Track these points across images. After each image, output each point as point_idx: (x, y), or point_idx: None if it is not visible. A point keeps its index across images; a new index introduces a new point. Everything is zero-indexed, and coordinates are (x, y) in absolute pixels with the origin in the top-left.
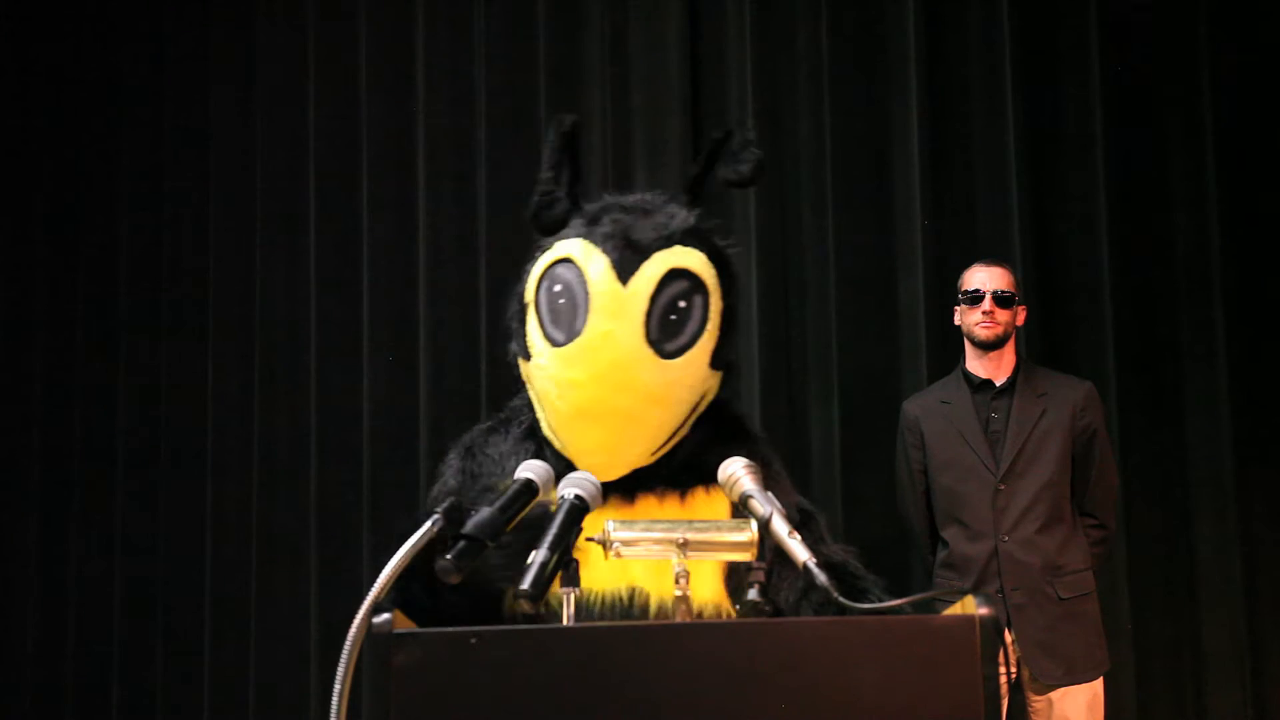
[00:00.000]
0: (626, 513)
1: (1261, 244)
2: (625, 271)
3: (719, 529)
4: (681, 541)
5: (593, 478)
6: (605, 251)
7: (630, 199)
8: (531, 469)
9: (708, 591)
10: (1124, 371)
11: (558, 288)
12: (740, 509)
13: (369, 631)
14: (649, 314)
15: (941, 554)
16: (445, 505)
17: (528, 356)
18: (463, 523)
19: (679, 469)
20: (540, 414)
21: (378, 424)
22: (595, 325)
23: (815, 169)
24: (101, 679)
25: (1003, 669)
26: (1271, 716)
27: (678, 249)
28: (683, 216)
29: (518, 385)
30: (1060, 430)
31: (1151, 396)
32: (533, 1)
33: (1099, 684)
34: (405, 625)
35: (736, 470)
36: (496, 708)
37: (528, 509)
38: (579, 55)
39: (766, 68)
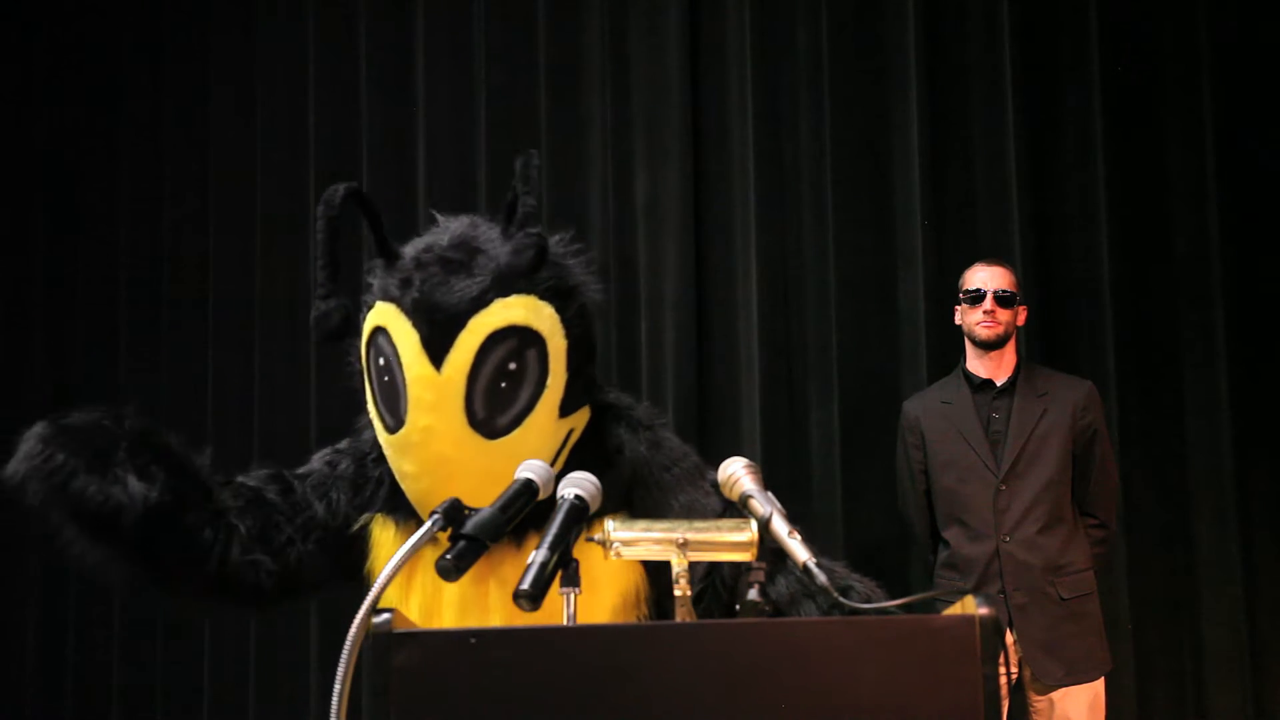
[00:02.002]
0: (517, 557)
1: (1261, 244)
2: (437, 352)
3: (719, 529)
4: (681, 541)
5: (593, 478)
6: (415, 325)
7: (447, 239)
8: (531, 469)
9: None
10: (1124, 371)
11: (381, 362)
12: (740, 509)
13: (369, 631)
14: (469, 396)
15: (943, 554)
16: (445, 505)
17: (372, 427)
18: (463, 522)
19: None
20: None
21: None
22: (414, 420)
23: (815, 169)
24: (101, 679)
25: (1003, 669)
26: (1271, 716)
27: (495, 306)
28: (500, 259)
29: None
30: (1061, 430)
31: (1151, 396)
32: (533, 1)
33: (1100, 684)
34: (405, 625)
35: (737, 470)
36: (496, 708)
37: (527, 509)
38: (579, 55)
39: (766, 68)
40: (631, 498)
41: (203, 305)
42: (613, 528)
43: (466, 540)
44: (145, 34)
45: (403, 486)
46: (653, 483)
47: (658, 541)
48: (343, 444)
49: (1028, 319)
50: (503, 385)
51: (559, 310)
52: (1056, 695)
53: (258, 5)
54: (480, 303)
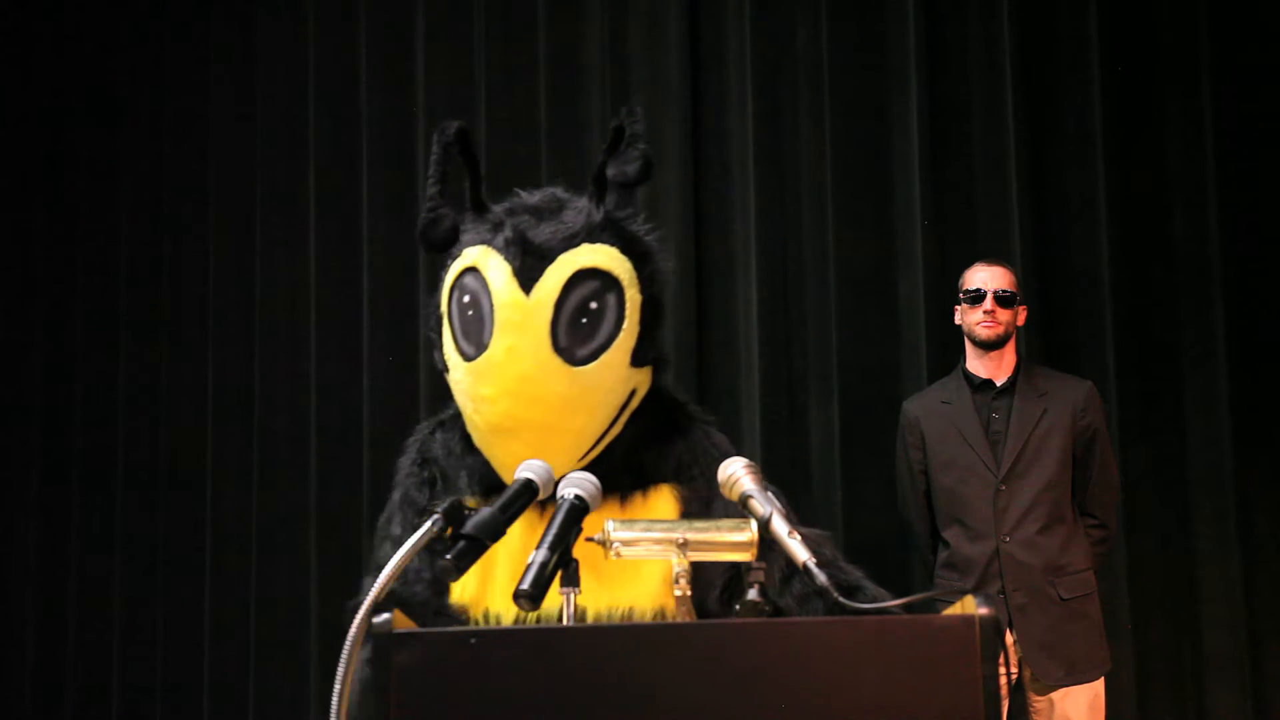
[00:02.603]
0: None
1: (1261, 244)
2: (528, 279)
3: (719, 529)
4: (681, 541)
5: (593, 478)
6: (507, 259)
7: (536, 197)
8: (531, 469)
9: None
10: (1124, 371)
11: (466, 298)
12: (740, 509)
13: (369, 631)
14: (555, 322)
15: (942, 554)
16: (445, 505)
17: (446, 369)
18: (463, 522)
19: (618, 470)
20: (467, 426)
21: (378, 424)
22: (500, 339)
23: (815, 169)
24: (101, 679)
25: (1003, 669)
26: (1271, 716)
27: (584, 248)
28: (589, 211)
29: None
30: (1061, 430)
31: (1151, 396)
32: (533, 1)
33: (1100, 684)
34: (405, 625)
35: (736, 470)
36: (496, 708)
37: (527, 509)
38: (579, 55)
39: (766, 68)
40: (681, 476)
41: (203, 305)
42: (613, 527)
43: (466, 540)
44: (145, 34)
45: (475, 417)
46: (698, 471)
47: (658, 541)
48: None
49: (1028, 319)
50: (583, 321)
51: (636, 268)
52: (1056, 695)
53: (258, 5)
54: (570, 243)
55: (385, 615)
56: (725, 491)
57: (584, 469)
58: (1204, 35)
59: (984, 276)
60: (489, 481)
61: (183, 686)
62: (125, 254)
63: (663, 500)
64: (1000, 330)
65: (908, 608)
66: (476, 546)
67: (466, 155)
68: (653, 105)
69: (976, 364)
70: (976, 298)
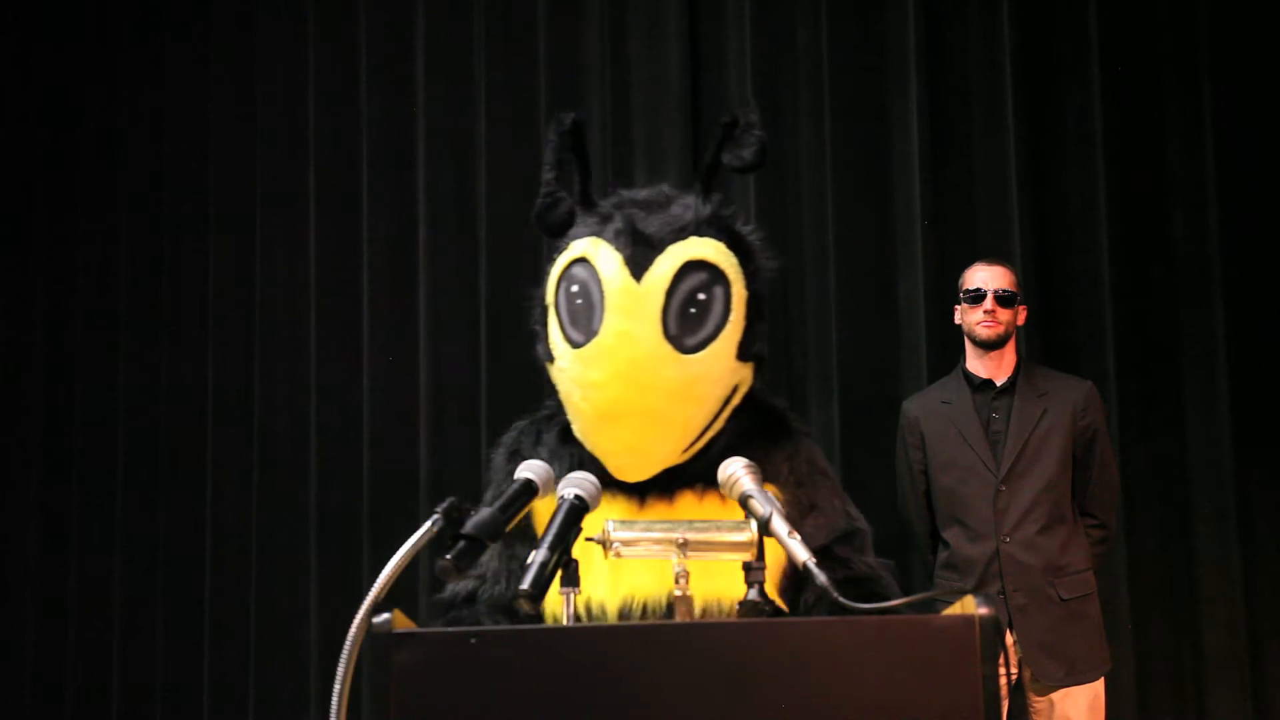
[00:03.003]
0: (666, 512)
1: (1261, 244)
2: (639, 267)
3: (719, 529)
4: (681, 541)
5: (593, 478)
6: (618, 248)
7: (643, 194)
8: (531, 469)
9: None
10: (1124, 371)
11: (574, 288)
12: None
13: (369, 631)
14: (665, 309)
15: (942, 555)
16: (445, 505)
17: (551, 359)
18: (463, 522)
19: (716, 464)
20: (569, 417)
21: (378, 424)
22: (611, 324)
23: (815, 168)
24: (102, 679)
25: (1003, 670)
26: (1271, 716)
27: (693, 240)
28: (697, 207)
29: (550, 386)
30: (1061, 430)
31: (1151, 396)
32: (533, 2)
33: (1100, 684)
34: (405, 625)
35: (736, 470)
36: (496, 708)
37: (526, 509)
38: (579, 55)
39: (766, 68)
40: (782, 481)
41: (203, 305)
42: (613, 527)
43: (466, 540)
44: (145, 34)
45: (582, 404)
46: (795, 481)
47: (658, 541)
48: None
49: (1028, 319)
50: (692, 310)
51: (741, 263)
52: (1056, 696)
53: (258, 5)
54: (679, 235)
55: (385, 615)
56: (725, 491)
57: (684, 463)
58: (1204, 35)
59: (984, 276)
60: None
61: (183, 686)
62: (125, 254)
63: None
64: (1000, 330)
65: (908, 608)
66: (476, 547)
67: (578, 149)
68: (653, 105)
69: (976, 364)
70: (977, 297)
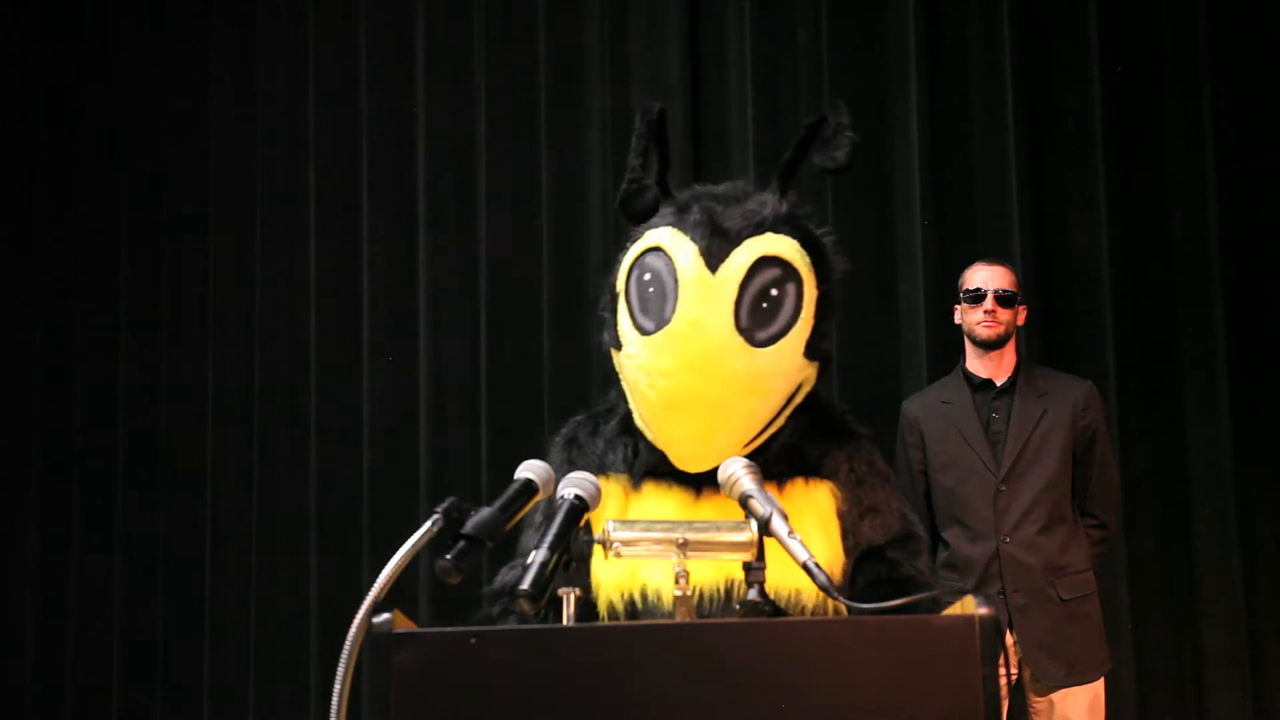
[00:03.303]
0: (721, 505)
1: (1261, 244)
2: (714, 259)
3: (719, 529)
4: (681, 541)
5: (593, 478)
6: (694, 239)
7: (720, 188)
8: (531, 469)
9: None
10: (1124, 371)
11: (647, 276)
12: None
13: (369, 631)
14: (739, 301)
15: (942, 555)
16: (445, 505)
17: (619, 346)
18: (463, 522)
19: (775, 459)
20: (632, 405)
21: (378, 424)
22: (684, 313)
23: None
24: (101, 679)
25: (1003, 670)
26: (1271, 716)
27: (768, 236)
28: (773, 203)
29: (613, 377)
30: (1061, 430)
31: (1151, 396)
32: (533, 2)
33: (1100, 684)
34: (405, 625)
35: (736, 470)
36: (496, 708)
37: (526, 508)
38: (579, 55)
39: (766, 68)
40: (842, 480)
41: (203, 305)
42: (613, 527)
43: (466, 540)
44: (145, 34)
45: (649, 391)
46: (854, 481)
47: (658, 541)
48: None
49: (1027, 319)
50: (764, 305)
51: (814, 262)
52: (1056, 696)
53: (258, 5)
54: (756, 229)
55: (385, 615)
56: (725, 491)
57: (746, 456)
58: (1204, 35)
59: (984, 276)
60: (646, 460)
61: (183, 686)
62: (125, 254)
63: (821, 494)
64: (1001, 330)
65: (908, 608)
66: (476, 546)
67: (660, 140)
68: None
69: (976, 364)
70: (977, 297)
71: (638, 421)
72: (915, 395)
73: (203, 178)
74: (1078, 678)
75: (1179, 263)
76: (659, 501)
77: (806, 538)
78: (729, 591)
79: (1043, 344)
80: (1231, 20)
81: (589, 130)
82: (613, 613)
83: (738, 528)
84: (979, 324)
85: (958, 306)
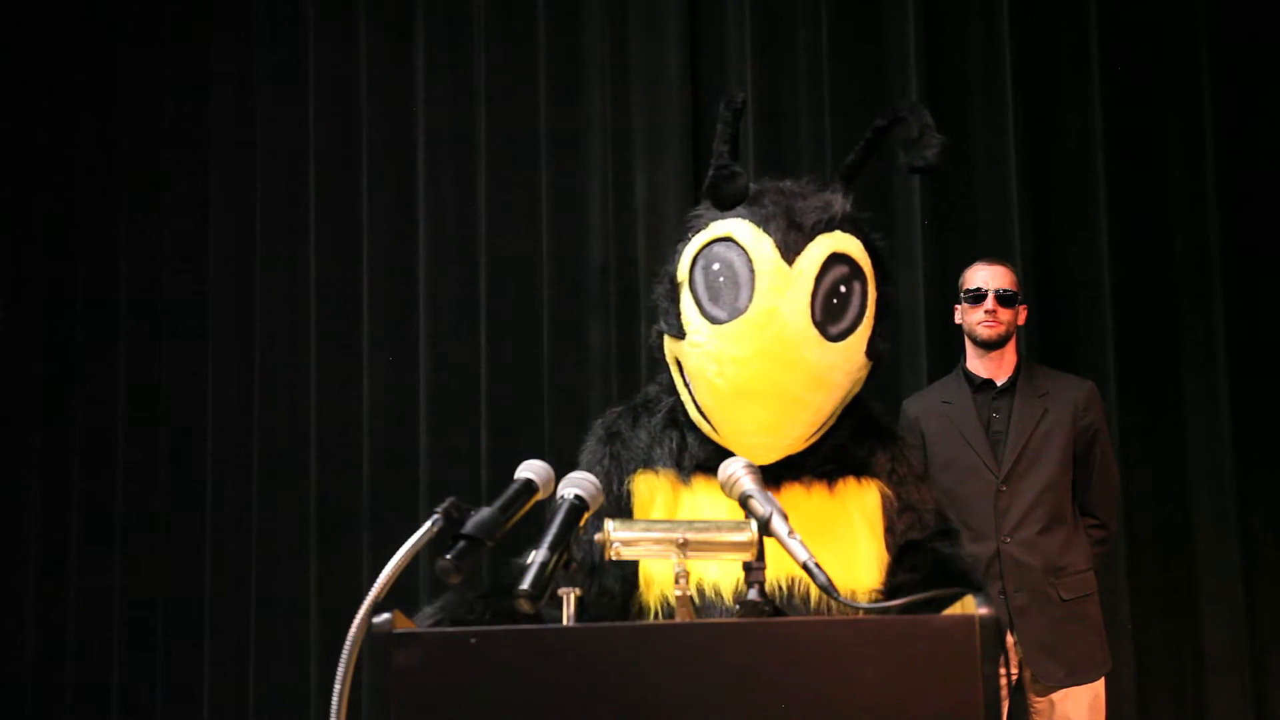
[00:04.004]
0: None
1: (1261, 244)
2: (790, 251)
3: (719, 529)
4: (681, 541)
5: (593, 478)
6: (769, 231)
7: (785, 183)
8: (531, 469)
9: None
10: (1124, 371)
11: (716, 266)
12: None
13: (369, 631)
14: (814, 294)
15: None
16: (445, 505)
17: (681, 335)
18: (463, 522)
19: (825, 458)
20: (688, 397)
21: (378, 424)
22: (762, 302)
23: (815, 169)
24: (101, 679)
25: (1003, 671)
26: (1271, 716)
27: (838, 234)
28: (840, 202)
29: (662, 368)
30: (1062, 430)
31: (1151, 396)
32: (533, 2)
33: (1100, 684)
34: (405, 625)
35: (737, 470)
36: (496, 708)
37: (526, 508)
38: (579, 55)
39: (766, 68)
40: (890, 479)
41: (203, 306)
42: (613, 527)
43: (466, 540)
44: (145, 35)
45: (718, 380)
46: (896, 481)
47: (658, 541)
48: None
49: (1027, 318)
50: (835, 300)
51: (875, 266)
52: (1057, 696)
53: (257, 6)
54: (829, 226)
55: (385, 615)
56: (725, 491)
57: (798, 454)
58: (1204, 35)
59: (985, 276)
60: (697, 454)
61: (183, 686)
62: (125, 253)
63: (870, 494)
64: (1001, 330)
65: (908, 608)
66: (476, 546)
67: (732, 129)
68: (653, 105)
69: (977, 364)
70: (977, 297)
71: (694, 414)
72: (915, 395)
73: (202, 178)
74: (1078, 678)
75: (1179, 263)
76: (710, 496)
77: (854, 535)
78: (790, 588)
79: (1043, 344)
80: (1232, 21)
81: (589, 130)
82: (666, 607)
83: (738, 528)
84: (980, 324)
85: (958, 306)
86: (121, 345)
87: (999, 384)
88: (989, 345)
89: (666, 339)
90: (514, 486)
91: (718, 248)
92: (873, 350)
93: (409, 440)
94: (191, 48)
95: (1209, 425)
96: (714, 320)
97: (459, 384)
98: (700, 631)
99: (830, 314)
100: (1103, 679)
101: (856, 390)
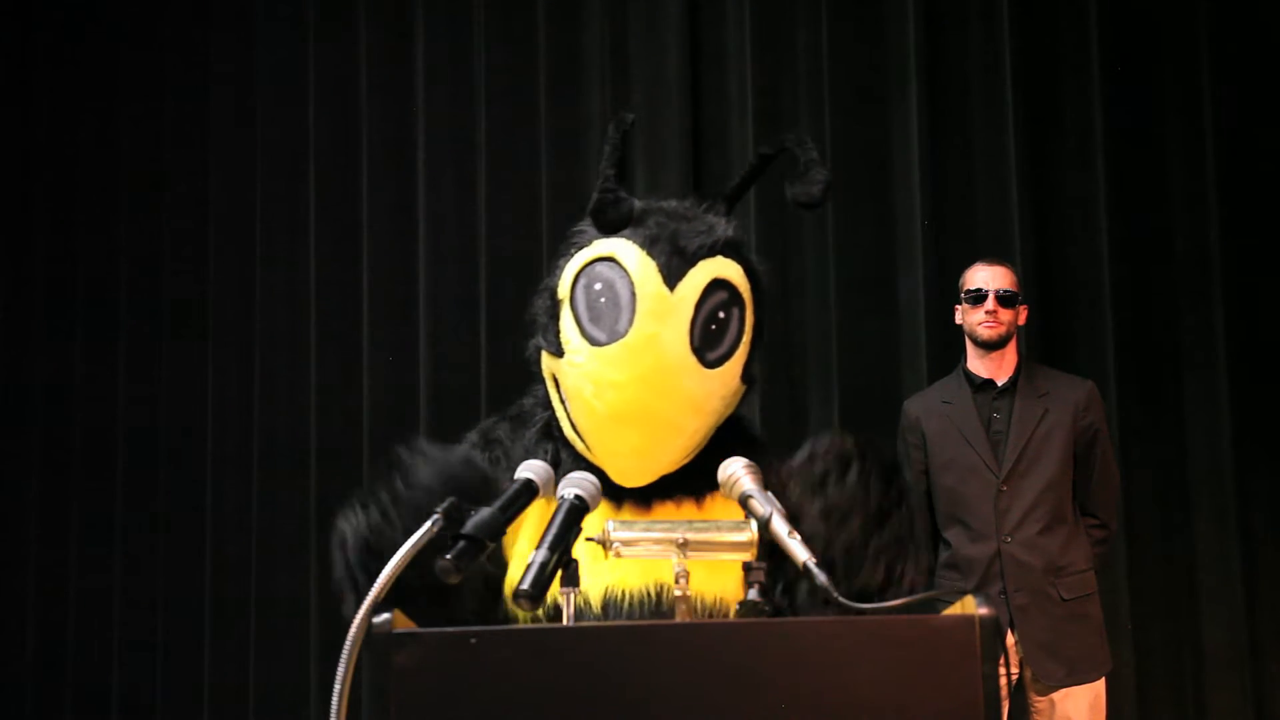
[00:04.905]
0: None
1: (1261, 244)
2: (672, 276)
3: (719, 529)
4: (681, 541)
5: (593, 477)
6: (652, 255)
7: (669, 204)
8: (531, 469)
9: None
10: (1124, 371)
11: (598, 286)
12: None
13: (369, 631)
14: (694, 321)
15: (943, 555)
16: (445, 505)
17: (560, 353)
18: (463, 522)
19: (694, 476)
20: (563, 413)
21: (378, 424)
22: (641, 327)
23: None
24: (101, 679)
25: (1003, 670)
26: (1271, 716)
27: (720, 259)
28: (723, 227)
29: (537, 382)
30: (1062, 430)
31: (1151, 396)
32: (533, 2)
33: (1101, 684)
34: (405, 625)
35: (736, 470)
36: (496, 708)
37: (527, 508)
38: (579, 55)
39: (766, 68)
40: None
41: (203, 306)
42: (613, 527)
43: (466, 540)
44: (145, 34)
45: (595, 402)
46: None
47: (658, 541)
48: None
49: (1028, 319)
50: (713, 327)
51: (752, 289)
52: (1057, 696)
53: (257, 6)
54: (711, 250)
55: (385, 615)
56: (725, 492)
57: (671, 474)
58: (1204, 35)
59: (985, 276)
60: (570, 470)
61: (183, 686)
62: (125, 254)
63: (735, 506)
64: (1002, 330)
65: (907, 608)
66: (476, 547)
67: (618, 149)
68: (653, 105)
69: (977, 364)
70: (978, 298)
71: (568, 430)
72: (916, 395)
73: (203, 178)
74: (1079, 677)
75: (1179, 263)
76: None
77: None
78: (659, 595)
79: (1043, 344)
80: (1231, 20)
81: (589, 130)
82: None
83: (738, 528)
84: (980, 324)
85: (958, 307)
86: (121, 345)
87: (999, 384)
88: (989, 345)
89: (545, 355)
90: (514, 486)
91: (600, 267)
92: (748, 375)
93: (409, 440)
94: (191, 48)
95: (1209, 425)
96: (594, 341)
97: (459, 384)
98: (700, 631)
99: (708, 340)
100: (1103, 679)
101: (730, 412)
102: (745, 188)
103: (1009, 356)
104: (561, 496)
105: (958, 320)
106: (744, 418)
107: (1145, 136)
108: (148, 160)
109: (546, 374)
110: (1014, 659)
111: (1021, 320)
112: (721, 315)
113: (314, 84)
